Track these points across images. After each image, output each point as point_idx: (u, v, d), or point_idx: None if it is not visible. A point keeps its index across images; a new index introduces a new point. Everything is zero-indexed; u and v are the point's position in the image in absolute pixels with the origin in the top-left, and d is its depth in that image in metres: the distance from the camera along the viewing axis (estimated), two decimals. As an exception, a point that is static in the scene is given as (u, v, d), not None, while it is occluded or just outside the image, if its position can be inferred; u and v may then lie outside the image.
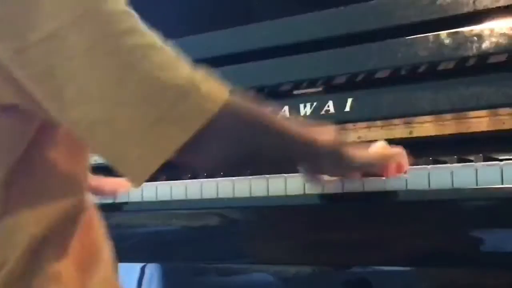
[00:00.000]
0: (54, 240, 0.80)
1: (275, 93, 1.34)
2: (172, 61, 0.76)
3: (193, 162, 0.81)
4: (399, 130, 1.18)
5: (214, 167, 0.84)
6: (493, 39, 1.12)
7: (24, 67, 0.72)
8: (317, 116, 1.24)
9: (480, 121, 1.11)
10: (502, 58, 1.11)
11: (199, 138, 0.74)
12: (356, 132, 1.22)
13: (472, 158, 1.04)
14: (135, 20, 0.75)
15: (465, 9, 1.17)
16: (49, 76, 0.71)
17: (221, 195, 1.11)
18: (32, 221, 0.78)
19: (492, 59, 1.12)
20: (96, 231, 0.87)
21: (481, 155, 1.03)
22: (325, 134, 0.90)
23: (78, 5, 0.71)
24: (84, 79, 0.71)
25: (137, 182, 0.76)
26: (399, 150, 0.98)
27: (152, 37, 0.76)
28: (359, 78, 1.25)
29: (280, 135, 0.84)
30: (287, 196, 1.07)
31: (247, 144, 0.81)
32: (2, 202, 0.77)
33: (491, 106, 1.09)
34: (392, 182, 0.98)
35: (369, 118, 1.21)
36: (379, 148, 0.97)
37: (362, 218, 1.03)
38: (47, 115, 0.75)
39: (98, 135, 0.73)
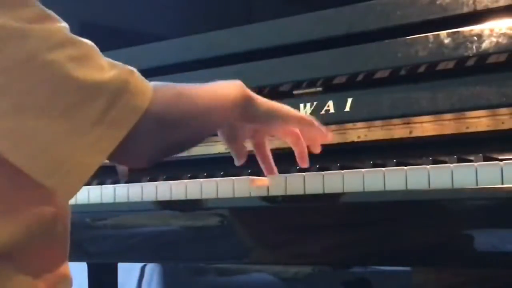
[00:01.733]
0: (17, 258, 0.77)
1: (275, 93, 1.34)
2: (102, 64, 0.77)
3: (126, 159, 0.83)
4: (399, 130, 1.18)
5: (147, 159, 0.84)
6: (493, 39, 1.12)
7: None
8: (317, 116, 1.24)
9: (479, 121, 1.11)
10: (502, 58, 1.11)
11: (132, 135, 0.76)
12: (356, 132, 1.22)
13: (472, 158, 1.04)
14: (65, 29, 0.76)
15: (465, 9, 1.17)
16: None
17: (221, 195, 1.11)
18: None
19: (492, 59, 1.12)
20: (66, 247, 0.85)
21: (481, 155, 1.03)
22: (230, 87, 0.93)
23: (12, 21, 0.72)
24: (17, 91, 0.72)
25: (71, 191, 0.77)
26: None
27: (82, 45, 0.76)
28: (359, 78, 1.25)
29: (201, 113, 0.87)
30: (287, 196, 1.07)
31: (175, 131, 0.84)
32: None
33: (491, 106, 1.09)
34: (392, 182, 0.98)
35: (369, 118, 1.21)
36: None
37: (362, 217, 1.03)
38: None
39: (29, 146, 0.73)
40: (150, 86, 0.80)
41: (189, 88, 0.87)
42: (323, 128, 1.05)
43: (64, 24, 0.77)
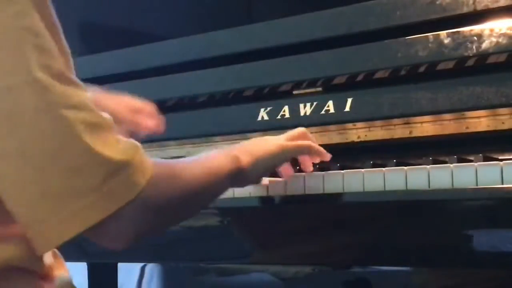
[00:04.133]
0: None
1: (275, 93, 1.34)
2: (112, 138, 0.77)
3: (104, 237, 0.79)
4: (399, 130, 1.18)
5: (125, 241, 0.80)
6: (493, 39, 1.12)
7: None
8: (317, 116, 1.24)
9: (479, 121, 1.11)
10: (502, 58, 1.11)
11: (125, 211, 0.75)
12: (356, 132, 1.22)
13: (472, 158, 1.04)
14: (86, 97, 0.76)
15: (465, 9, 1.17)
16: None
17: (221, 195, 1.11)
18: None
19: (492, 59, 1.12)
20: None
21: (481, 155, 1.03)
22: (222, 161, 0.94)
23: (36, 70, 0.72)
24: (26, 136, 0.72)
25: (44, 248, 0.76)
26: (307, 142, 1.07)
27: (98, 116, 0.76)
28: (359, 78, 1.25)
29: (193, 195, 0.87)
30: (287, 196, 1.07)
31: (162, 216, 0.83)
32: None
33: (491, 106, 1.10)
34: (392, 182, 0.98)
35: (369, 118, 1.21)
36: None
37: (362, 217, 1.03)
38: None
39: (25, 193, 0.73)
40: (151, 165, 0.79)
41: (184, 167, 0.87)
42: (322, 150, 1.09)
43: (88, 94, 0.77)
